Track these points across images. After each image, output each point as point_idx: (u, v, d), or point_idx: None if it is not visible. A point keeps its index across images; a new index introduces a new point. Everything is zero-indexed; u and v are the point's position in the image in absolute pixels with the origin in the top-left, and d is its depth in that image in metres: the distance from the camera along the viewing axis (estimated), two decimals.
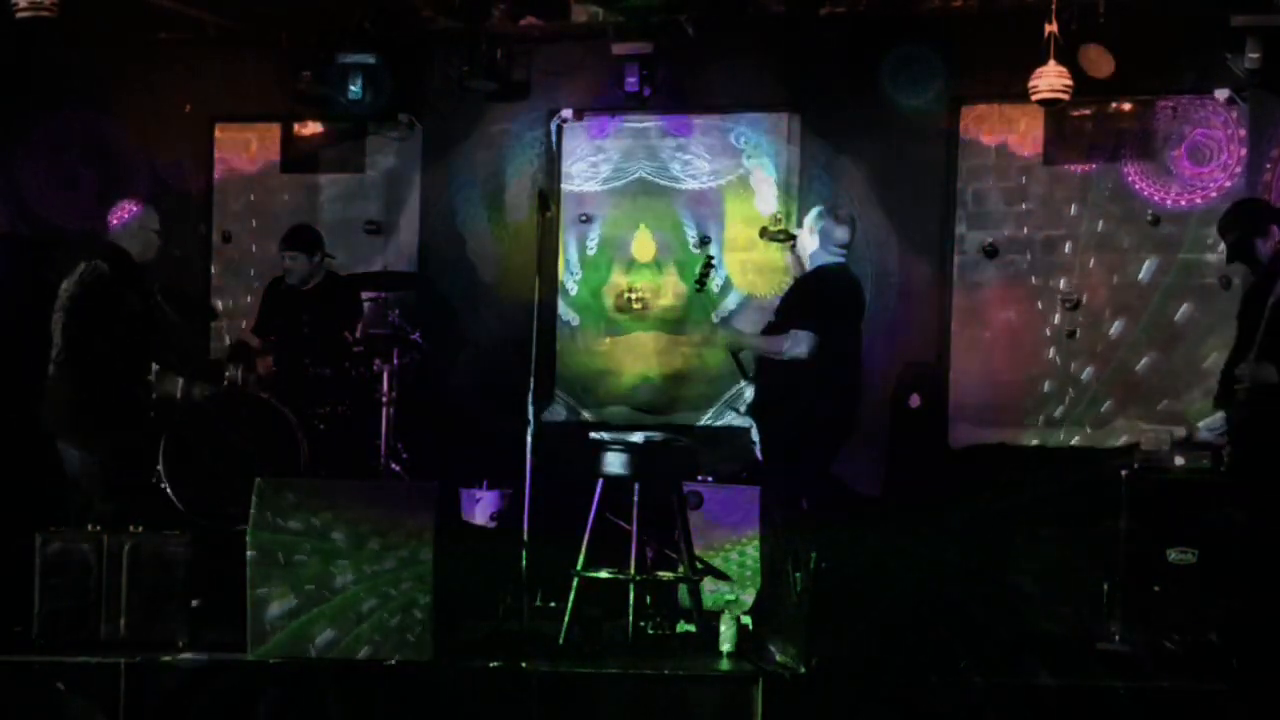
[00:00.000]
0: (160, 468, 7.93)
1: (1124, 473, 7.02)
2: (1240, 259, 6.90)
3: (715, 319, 9.30)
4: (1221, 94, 8.62)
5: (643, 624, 6.84)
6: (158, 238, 7.69)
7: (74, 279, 7.44)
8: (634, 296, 9.47)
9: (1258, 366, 6.62)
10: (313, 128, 9.97)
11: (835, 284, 7.29)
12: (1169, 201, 8.80)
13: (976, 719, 5.92)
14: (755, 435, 7.34)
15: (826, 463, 7.34)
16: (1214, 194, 8.66)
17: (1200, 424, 7.20)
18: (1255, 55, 8.13)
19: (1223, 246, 7.32)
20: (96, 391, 7.35)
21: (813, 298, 7.25)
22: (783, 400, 7.20)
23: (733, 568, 7.58)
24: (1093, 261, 8.91)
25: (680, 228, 9.47)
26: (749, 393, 7.38)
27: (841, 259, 7.33)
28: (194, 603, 6.67)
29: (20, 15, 7.67)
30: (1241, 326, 6.96)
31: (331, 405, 8.41)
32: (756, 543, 7.50)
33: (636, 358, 9.49)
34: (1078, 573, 7.10)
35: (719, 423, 9.24)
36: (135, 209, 7.64)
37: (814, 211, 7.44)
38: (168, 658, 6.26)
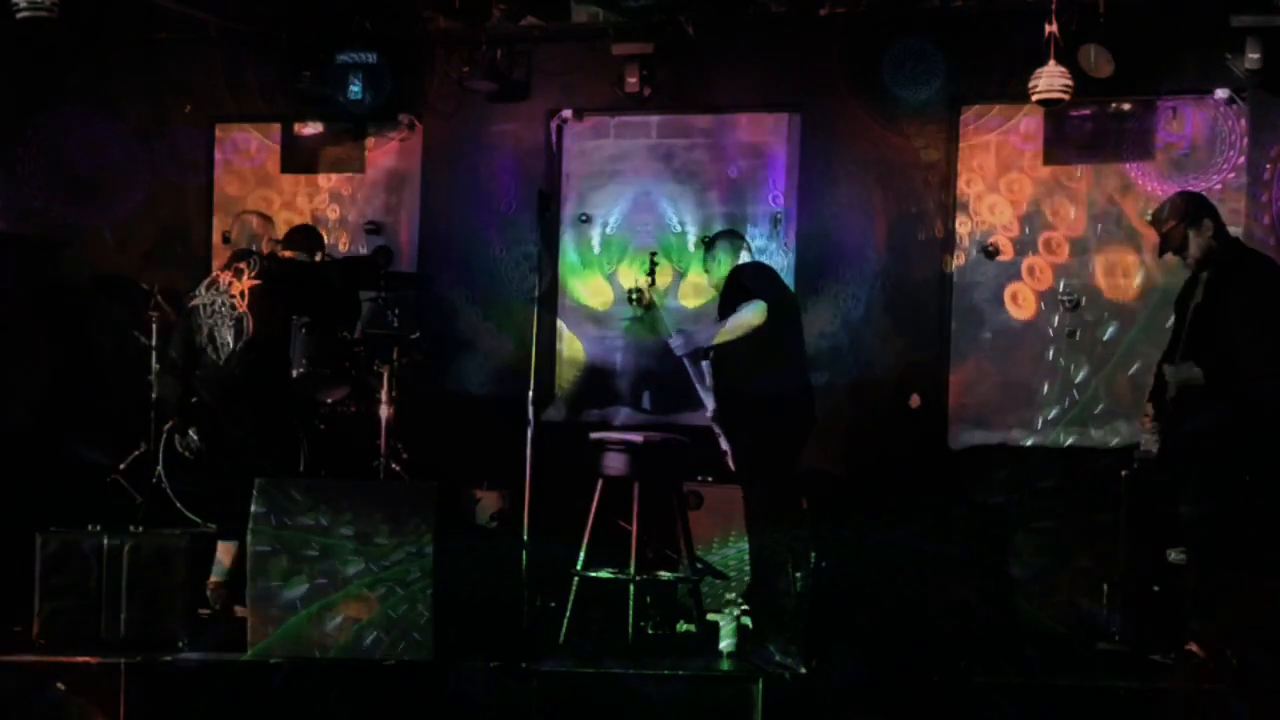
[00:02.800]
0: (160, 469, 7.92)
1: (1124, 473, 7.02)
2: (1172, 250, 6.74)
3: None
4: (1221, 94, 8.61)
5: (643, 624, 6.84)
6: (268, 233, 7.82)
7: (249, 275, 7.40)
8: (636, 295, 9.47)
9: (1181, 367, 6.59)
10: (313, 128, 9.96)
11: (759, 267, 7.58)
12: None
13: (976, 719, 5.93)
14: (724, 445, 7.36)
15: (793, 460, 7.36)
16: (1214, 194, 8.65)
17: (1139, 442, 7.10)
18: (1255, 55, 8.11)
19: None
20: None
21: (748, 279, 7.36)
22: (740, 408, 7.25)
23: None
24: (1093, 262, 8.91)
25: (679, 227, 9.47)
26: (710, 402, 7.43)
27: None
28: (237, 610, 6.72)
29: (20, 15, 7.66)
30: (1175, 326, 6.90)
31: (332, 405, 8.40)
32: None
33: (637, 357, 9.49)
34: (1078, 573, 7.11)
35: None
36: (256, 220, 7.71)
37: (705, 255, 7.80)
38: (168, 658, 6.26)
